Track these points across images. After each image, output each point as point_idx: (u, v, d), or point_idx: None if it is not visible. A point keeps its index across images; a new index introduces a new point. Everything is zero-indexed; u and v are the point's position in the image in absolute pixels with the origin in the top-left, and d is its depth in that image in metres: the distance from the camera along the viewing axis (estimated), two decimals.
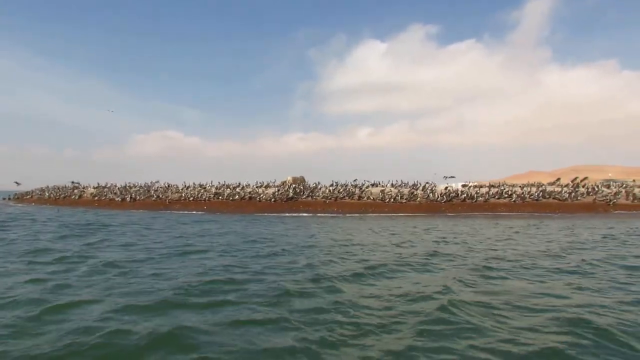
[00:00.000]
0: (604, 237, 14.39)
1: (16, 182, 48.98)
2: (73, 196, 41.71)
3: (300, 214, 29.83)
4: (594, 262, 9.27)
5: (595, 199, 32.23)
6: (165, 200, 37.05)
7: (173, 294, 6.15)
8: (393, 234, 15.44)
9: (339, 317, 5.15)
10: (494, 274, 7.94)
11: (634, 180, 45.38)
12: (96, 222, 19.83)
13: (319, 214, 29.71)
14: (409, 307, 5.60)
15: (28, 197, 46.68)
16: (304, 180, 46.50)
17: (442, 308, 5.37)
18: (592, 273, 8.09)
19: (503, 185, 36.92)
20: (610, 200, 31.76)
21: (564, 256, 10.26)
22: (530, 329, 4.75)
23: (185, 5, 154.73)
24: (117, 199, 38.87)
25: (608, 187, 36.55)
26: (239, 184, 38.70)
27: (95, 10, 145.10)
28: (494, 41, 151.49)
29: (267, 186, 37.42)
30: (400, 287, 6.76)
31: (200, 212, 31.39)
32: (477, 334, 4.60)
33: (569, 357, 4.01)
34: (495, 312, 5.39)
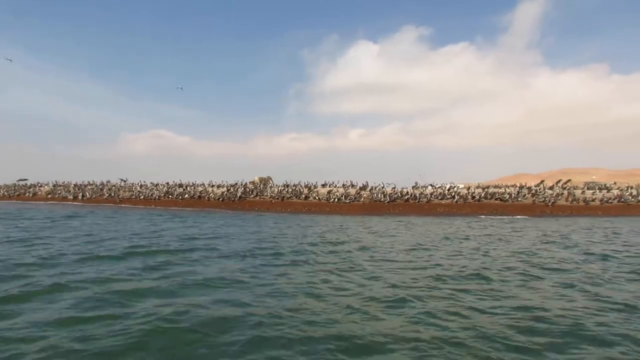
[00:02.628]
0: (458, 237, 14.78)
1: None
2: (27, 194, 41.52)
3: (247, 212, 30.06)
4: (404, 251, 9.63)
5: (534, 200, 32.85)
6: (117, 198, 37.08)
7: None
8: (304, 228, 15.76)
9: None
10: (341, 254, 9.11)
11: (614, 183, 46.37)
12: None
13: (263, 213, 29.96)
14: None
15: None
16: (270, 180, 46.94)
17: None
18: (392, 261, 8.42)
19: (471, 188, 37.48)
20: (549, 202, 32.40)
21: (410, 250, 10.60)
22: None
23: (176, 4, 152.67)
24: (69, 197, 38.82)
25: (589, 188, 37.12)
26: (193, 183, 38.78)
27: (86, 8, 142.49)
28: (486, 44, 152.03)
29: (219, 186, 37.55)
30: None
31: (150, 208, 31.47)
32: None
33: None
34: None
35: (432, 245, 12.72)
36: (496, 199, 33.05)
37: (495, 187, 38.30)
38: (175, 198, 35.86)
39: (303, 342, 4.64)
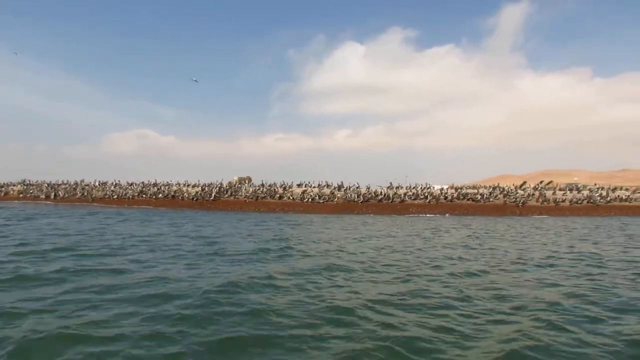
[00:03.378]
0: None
1: None
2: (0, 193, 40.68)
3: (222, 211, 29.88)
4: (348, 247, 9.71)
5: (505, 201, 33.29)
6: (89, 197, 36.58)
7: None
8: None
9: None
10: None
11: (595, 184, 47.27)
12: None
13: (237, 212, 29.82)
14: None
15: None
16: (250, 180, 46.73)
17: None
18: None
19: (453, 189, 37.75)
20: (519, 202, 32.87)
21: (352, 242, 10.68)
22: None
23: (161, 3, 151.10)
24: (41, 196, 38.19)
25: (571, 190, 37.50)
26: (167, 182, 38.46)
27: (70, 6, 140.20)
28: (471, 46, 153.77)
29: (193, 186, 37.29)
30: None
31: (122, 207, 31.09)
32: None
33: None
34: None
35: (347, 241, 13.42)
36: (468, 200, 33.42)
37: (473, 187, 38.72)
38: (149, 197, 35.51)
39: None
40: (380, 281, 7.77)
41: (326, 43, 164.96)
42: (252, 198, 33.99)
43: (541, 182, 41.43)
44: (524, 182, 41.42)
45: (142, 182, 38.53)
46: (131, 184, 38.55)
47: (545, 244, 13.80)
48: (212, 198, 34.40)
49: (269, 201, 33.70)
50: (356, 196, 33.14)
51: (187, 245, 11.90)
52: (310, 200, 32.92)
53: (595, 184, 48.20)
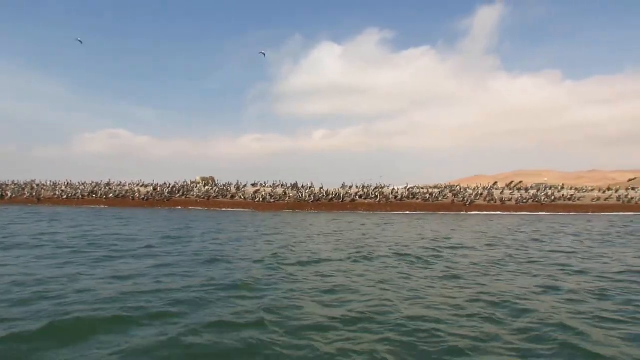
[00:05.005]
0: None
1: None
2: None
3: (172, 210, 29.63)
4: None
5: (453, 200, 34.14)
6: (37, 197, 35.70)
7: None
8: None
9: None
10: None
11: (562, 185, 48.68)
12: None
13: (183, 210, 29.63)
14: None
15: None
16: (214, 180, 46.47)
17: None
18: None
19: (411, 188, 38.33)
20: (467, 201, 33.76)
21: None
22: None
23: (134, 2, 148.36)
24: None
25: (538, 189, 38.51)
26: (120, 182, 37.92)
27: (39, 4, 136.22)
28: (446, 48, 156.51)
29: (145, 185, 36.88)
30: None
31: (71, 207, 30.46)
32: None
33: None
34: None
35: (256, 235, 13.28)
36: (417, 199, 34.12)
37: (427, 187, 39.50)
38: (99, 197, 34.93)
39: None
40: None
41: (303, 43, 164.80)
42: (203, 198, 33.87)
43: (511, 182, 42.44)
44: (495, 182, 42.47)
45: (94, 182, 37.87)
46: (84, 184, 37.85)
47: (422, 236, 14.31)
48: (163, 198, 34.12)
49: (221, 200, 33.65)
50: (307, 196, 33.40)
51: (68, 242, 11.77)
52: (261, 199, 33.02)
53: (562, 184, 49.77)
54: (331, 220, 22.69)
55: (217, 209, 31.86)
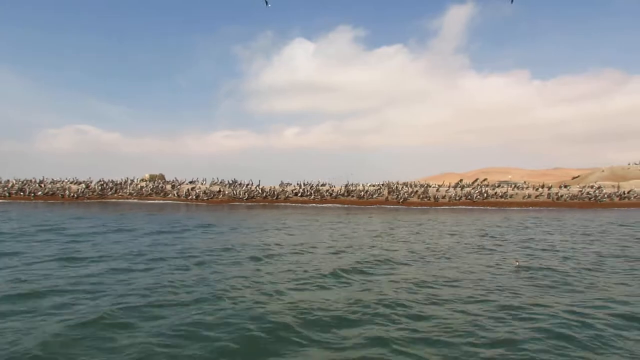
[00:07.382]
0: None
1: None
2: None
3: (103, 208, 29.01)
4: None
5: (388, 197, 34.91)
6: None
7: None
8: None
9: None
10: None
11: (524, 182, 50.15)
12: None
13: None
14: None
15: None
16: (163, 178, 45.75)
17: None
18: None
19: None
20: (400, 199, 34.57)
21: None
22: None
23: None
24: None
25: (499, 186, 39.49)
26: (52, 179, 36.79)
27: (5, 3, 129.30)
28: (418, 46, 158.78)
29: (78, 183, 35.94)
30: None
31: None
32: None
33: None
34: None
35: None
36: (353, 196, 34.70)
37: (373, 185, 40.14)
38: (28, 195, 33.84)
39: None
40: None
41: (274, 39, 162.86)
42: (136, 195, 33.35)
43: (477, 179, 43.73)
44: (461, 180, 43.66)
45: (23, 180, 36.59)
46: (11, 180, 36.54)
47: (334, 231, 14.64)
48: (95, 194, 33.41)
49: (154, 197, 33.25)
50: (242, 193, 33.43)
51: None
52: (194, 197, 32.83)
53: (525, 182, 51.40)
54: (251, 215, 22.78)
55: (150, 204, 31.45)
